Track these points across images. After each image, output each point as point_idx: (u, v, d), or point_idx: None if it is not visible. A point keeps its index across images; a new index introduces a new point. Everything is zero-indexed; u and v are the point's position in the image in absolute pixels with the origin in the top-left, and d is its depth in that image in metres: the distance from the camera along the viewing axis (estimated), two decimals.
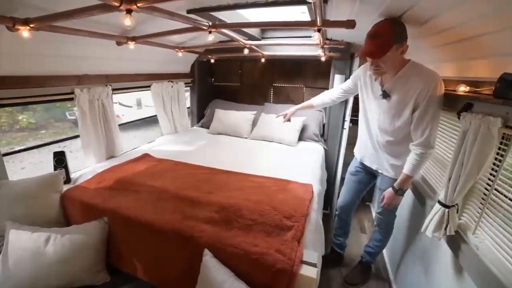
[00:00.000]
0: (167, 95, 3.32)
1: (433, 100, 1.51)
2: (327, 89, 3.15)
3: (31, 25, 1.37)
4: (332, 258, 2.46)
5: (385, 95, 1.69)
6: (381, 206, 1.83)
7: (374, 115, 1.83)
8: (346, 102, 2.95)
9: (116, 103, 9.48)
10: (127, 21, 1.22)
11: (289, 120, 2.44)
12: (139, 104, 10.49)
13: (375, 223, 2.19)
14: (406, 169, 1.66)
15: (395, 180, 1.74)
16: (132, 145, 3.20)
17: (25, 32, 1.39)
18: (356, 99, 2.71)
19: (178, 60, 3.15)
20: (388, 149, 1.83)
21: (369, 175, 2.10)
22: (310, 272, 1.31)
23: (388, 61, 1.53)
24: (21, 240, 1.54)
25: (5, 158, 1.84)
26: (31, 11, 1.40)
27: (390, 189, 1.75)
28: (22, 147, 2.38)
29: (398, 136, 1.74)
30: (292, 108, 2.44)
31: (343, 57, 2.87)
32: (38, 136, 8.88)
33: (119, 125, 2.73)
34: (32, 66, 1.83)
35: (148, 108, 10.08)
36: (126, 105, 10.18)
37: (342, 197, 2.28)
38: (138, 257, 1.63)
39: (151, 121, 3.33)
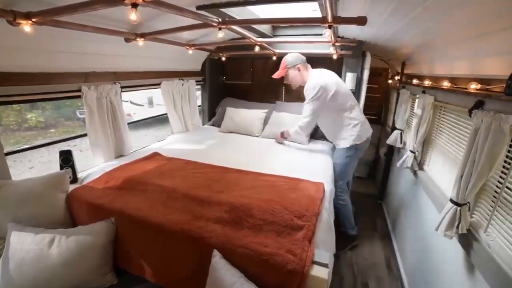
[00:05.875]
0: (177, 93, 3.19)
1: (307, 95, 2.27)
2: None
3: (33, 19, 1.24)
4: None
5: None
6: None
7: None
8: (357, 100, 2.85)
9: (127, 101, 9.37)
10: (133, 16, 1.11)
11: None
12: (150, 102, 10.30)
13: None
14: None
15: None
16: (143, 143, 3.10)
17: (26, 26, 1.26)
18: (367, 97, 2.77)
19: (189, 58, 3.02)
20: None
21: None
22: (322, 273, 1.22)
23: (290, 78, 2.38)
24: (24, 242, 1.41)
25: (13, 157, 1.74)
26: (33, 4, 1.27)
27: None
28: (26, 146, 2.29)
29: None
30: None
31: (355, 55, 2.77)
32: (47, 135, 8.73)
33: (130, 123, 2.62)
34: (37, 62, 1.70)
35: (159, 106, 9.81)
36: (138, 103, 10.02)
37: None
38: (146, 258, 1.52)
39: (163, 119, 3.23)
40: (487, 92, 1.26)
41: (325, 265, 1.25)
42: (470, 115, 1.33)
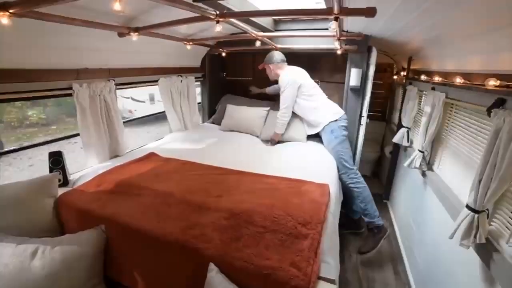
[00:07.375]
0: (176, 90, 3.04)
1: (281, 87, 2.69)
2: (343, 83, 2.91)
3: (11, 11, 1.11)
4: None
5: None
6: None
7: None
8: (363, 97, 2.72)
9: (128, 98, 9.29)
10: (117, 5, 1.00)
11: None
12: (152, 99, 10.09)
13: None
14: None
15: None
16: (145, 140, 2.98)
17: (4, 19, 1.13)
18: (371, 94, 2.65)
19: (188, 53, 2.88)
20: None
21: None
22: None
23: (267, 72, 2.88)
24: (3, 254, 1.27)
25: (12, 155, 1.62)
26: None
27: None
28: (24, 145, 2.17)
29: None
30: None
31: (360, 50, 2.61)
32: (48, 132, 8.60)
33: (131, 120, 2.49)
34: (23, 58, 1.57)
35: (161, 103, 9.74)
36: (139, 100, 9.88)
37: None
38: (138, 270, 1.40)
39: (165, 116, 3.13)
40: (508, 89, 1.13)
41: (332, 281, 1.13)
42: (489, 115, 1.20)
